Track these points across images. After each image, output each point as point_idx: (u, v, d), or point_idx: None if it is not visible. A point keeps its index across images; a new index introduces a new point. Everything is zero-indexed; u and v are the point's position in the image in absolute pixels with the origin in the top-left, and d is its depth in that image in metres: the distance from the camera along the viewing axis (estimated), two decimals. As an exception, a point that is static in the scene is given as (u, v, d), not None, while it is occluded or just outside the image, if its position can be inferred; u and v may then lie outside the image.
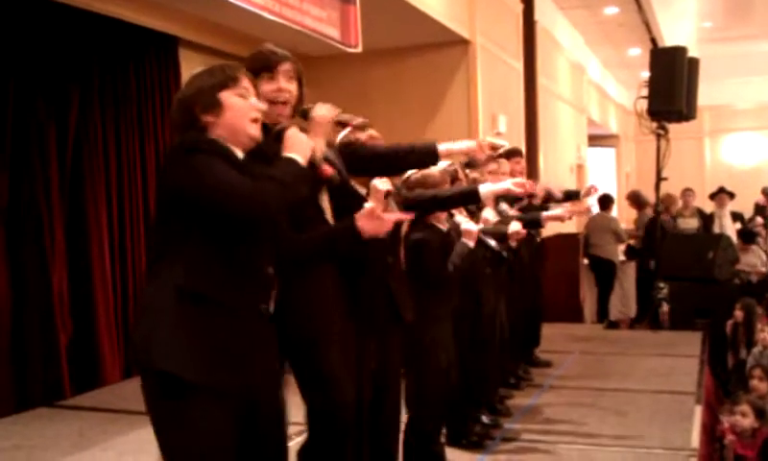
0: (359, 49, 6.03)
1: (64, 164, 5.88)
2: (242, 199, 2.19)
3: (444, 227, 3.89)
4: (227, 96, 2.32)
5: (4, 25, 5.45)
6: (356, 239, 2.61)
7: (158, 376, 2.19)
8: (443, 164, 4.32)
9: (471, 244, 3.79)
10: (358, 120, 2.94)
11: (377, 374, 3.27)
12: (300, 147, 2.36)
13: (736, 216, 11.72)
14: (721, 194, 11.10)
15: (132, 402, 5.40)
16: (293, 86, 2.77)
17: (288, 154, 2.34)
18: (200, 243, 2.24)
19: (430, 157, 3.29)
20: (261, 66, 2.73)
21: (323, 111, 2.80)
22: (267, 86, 2.72)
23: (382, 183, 3.21)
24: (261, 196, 2.21)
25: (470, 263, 3.90)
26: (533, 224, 5.34)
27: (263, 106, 2.41)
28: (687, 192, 10.93)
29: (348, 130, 3.23)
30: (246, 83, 2.37)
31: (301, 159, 2.33)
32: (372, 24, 6.24)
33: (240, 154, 2.34)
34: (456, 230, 3.88)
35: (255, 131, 2.36)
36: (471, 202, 3.89)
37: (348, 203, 2.87)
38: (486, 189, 3.81)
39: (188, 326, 2.20)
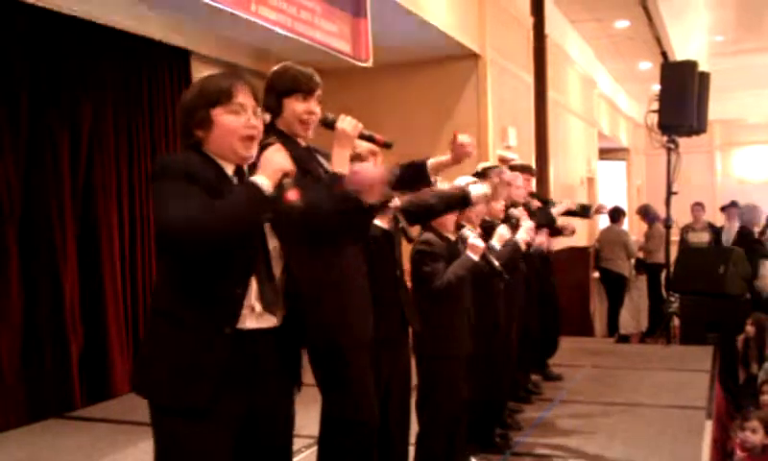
0: (370, 63, 6.06)
1: (77, 175, 5.92)
2: (176, 233, 2.14)
3: (452, 236, 3.90)
4: (217, 114, 2.29)
5: (17, 38, 5.51)
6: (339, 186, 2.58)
7: (152, 406, 2.27)
8: (466, 180, 4.33)
9: (475, 258, 3.78)
10: (381, 138, 2.94)
11: (386, 384, 3.29)
12: (268, 169, 2.27)
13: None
14: (731, 208, 11.06)
15: (143, 414, 5.42)
16: (319, 108, 2.89)
17: (255, 177, 2.26)
18: (171, 267, 2.27)
19: (421, 176, 3.34)
20: (296, 88, 2.85)
21: (349, 125, 2.83)
22: (299, 106, 2.84)
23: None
24: (197, 229, 2.14)
25: (479, 277, 3.89)
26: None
27: (258, 123, 2.36)
28: (697, 206, 10.90)
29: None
30: (241, 98, 2.31)
31: (267, 183, 2.24)
32: (383, 38, 6.26)
33: (230, 168, 2.32)
34: (464, 243, 3.88)
35: (246, 149, 2.31)
36: (462, 205, 3.82)
37: None
38: (477, 191, 3.77)
39: (161, 348, 2.25)
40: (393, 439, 3.40)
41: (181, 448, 2.22)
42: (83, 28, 5.75)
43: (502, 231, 4.28)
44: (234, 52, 6.98)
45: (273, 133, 2.80)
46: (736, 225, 10.92)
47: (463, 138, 3.36)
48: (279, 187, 2.27)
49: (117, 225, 6.24)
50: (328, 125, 2.86)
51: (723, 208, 11.27)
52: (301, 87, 2.86)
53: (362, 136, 2.89)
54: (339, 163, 2.80)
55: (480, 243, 3.82)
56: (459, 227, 4.02)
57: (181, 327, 2.22)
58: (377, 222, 3.47)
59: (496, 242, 4.22)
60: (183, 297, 2.24)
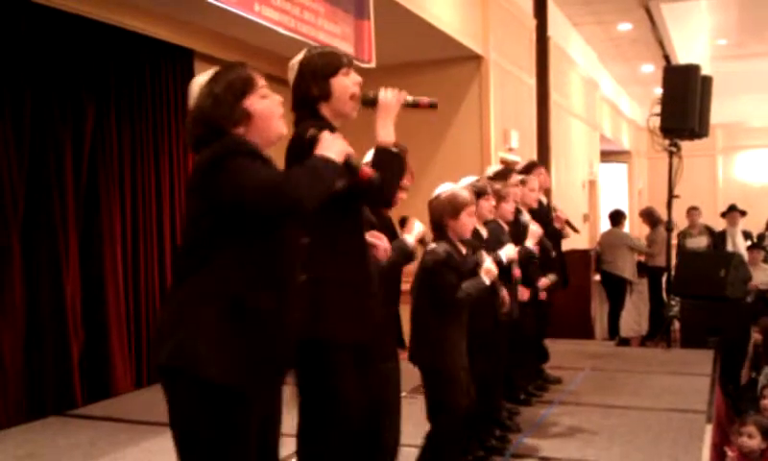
0: (373, 64, 6.06)
1: (79, 175, 5.93)
2: (274, 191, 2.17)
3: (463, 249, 3.91)
4: (251, 103, 2.29)
5: (21, 37, 5.52)
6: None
7: (202, 383, 2.18)
8: (469, 179, 4.38)
9: (488, 282, 3.82)
10: (425, 99, 2.93)
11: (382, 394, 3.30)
12: (332, 148, 2.32)
13: (747, 235, 11.65)
14: (733, 212, 11.03)
15: (144, 412, 5.44)
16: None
17: (322, 153, 2.31)
18: (238, 251, 2.23)
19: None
20: (340, 64, 2.82)
21: (392, 95, 2.81)
22: (347, 80, 2.81)
23: (419, 224, 3.44)
24: (292, 186, 2.19)
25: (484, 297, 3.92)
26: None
27: (280, 98, 2.38)
28: (693, 211, 10.86)
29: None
30: (261, 81, 2.34)
31: (332, 157, 2.30)
32: (386, 39, 6.27)
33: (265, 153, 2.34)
34: (477, 261, 3.90)
35: (284, 125, 2.35)
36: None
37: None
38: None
39: (233, 334, 2.20)
40: (385, 447, 3.42)
41: (223, 427, 2.19)
42: (86, 27, 5.77)
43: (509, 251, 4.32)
44: (238, 52, 6.97)
45: (316, 120, 2.72)
46: (739, 229, 10.89)
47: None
48: (347, 166, 2.32)
49: (119, 224, 6.25)
50: (370, 103, 2.82)
51: (723, 214, 11.24)
52: (344, 62, 2.82)
53: (407, 105, 2.85)
54: (384, 134, 2.77)
55: (494, 269, 3.87)
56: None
57: (259, 314, 2.23)
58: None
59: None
60: (260, 285, 2.24)
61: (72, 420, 5.50)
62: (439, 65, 8.29)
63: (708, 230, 10.73)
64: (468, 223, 3.89)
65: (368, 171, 2.38)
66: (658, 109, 8.64)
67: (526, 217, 5.27)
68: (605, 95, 15.34)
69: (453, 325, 3.78)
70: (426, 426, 3.80)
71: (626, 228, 11.15)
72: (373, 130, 2.78)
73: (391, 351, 3.44)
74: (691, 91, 8.49)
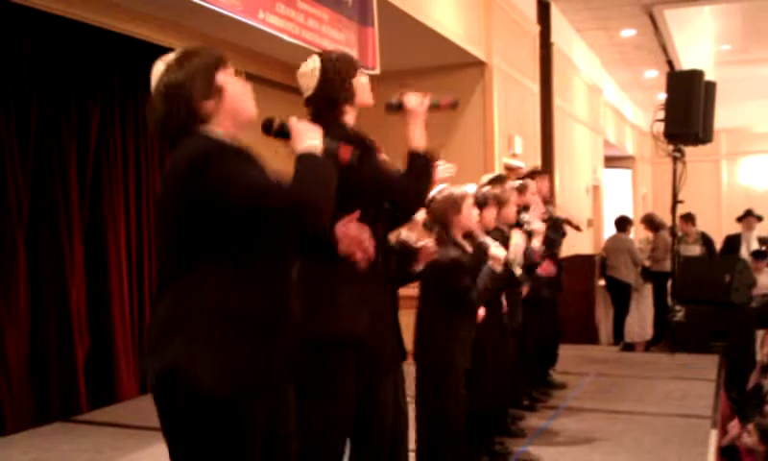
0: (377, 71, 6.08)
1: (84, 180, 5.95)
2: (288, 199, 2.09)
3: (469, 248, 3.91)
4: (223, 78, 2.17)
5: (26, 42, 5.54)
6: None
7: (198, 396, 2.08)
8: (471, 187, 4.38)
9: (499, 268, 3.79)
10: (446, 100, 3.02)
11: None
12: (310, 134, 2.23)
13: (763, 241, 11.59)
14: (749, 217, 10.99)
15: (148, 418, 5.41)
16: None
17: (303, 147, 2.20)
18: (233, 257, 2.12)
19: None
20: (357, 65, 2.96)
21: (416, 102, 2.90)
22: (364, 79, 2.94)
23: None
24: (309, 193, 2.11)
25: (497, 288, 3.91)
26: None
27: (248, 84, 2.33)
28: (686, 218, 10.83)
29: None
30: (229, 62, 2.23)
31: (318, 145, 2.21)
32: (390, 46, 6.28)
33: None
34: (485, 252, 3.88)
35: (254, 109, 2.25)
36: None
37: None
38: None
39: (227, 343, 2.10)
40: (398, 454, 3.43)
41: (222, 440, 2.10)
42: (91, 34, 5.78)
43: (517, 240, 4.29)
44: (242, 58, 7.00)
45: (340, 133, 2.66)
46: (755, 234, 10.83)
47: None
48: (326, 152, 2.26)
49: (124, 229, 6.27)
50: (395, 108, 2.91)
51: (739, 219, 11.19)
52: (359, 63, 2.97)
53: (430, 108, 2.95)
54: (417, 139, 2.88)
55: (502, 253, 3.83)
56: None
57: (260, 321, 2.14)
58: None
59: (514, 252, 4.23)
60: (259, 291, 2.15)
61: (77, 425, 5.51)
62: (442, 72, 8.29)
63: (703, 238, 10.68)
64: (471, 215, 3.90)
65: (346, 152, 2.34)
66: (661, 114, 8.65)
67: (525, 217, 5.25)
68: (608, 101, 15.34)
69: (463, 323, 3.79)
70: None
71: (631, 234, 11.15)
72: (381, 129, 2.83)
73: (396, 357, 3.43)
74: (695, 97, 8.49)
